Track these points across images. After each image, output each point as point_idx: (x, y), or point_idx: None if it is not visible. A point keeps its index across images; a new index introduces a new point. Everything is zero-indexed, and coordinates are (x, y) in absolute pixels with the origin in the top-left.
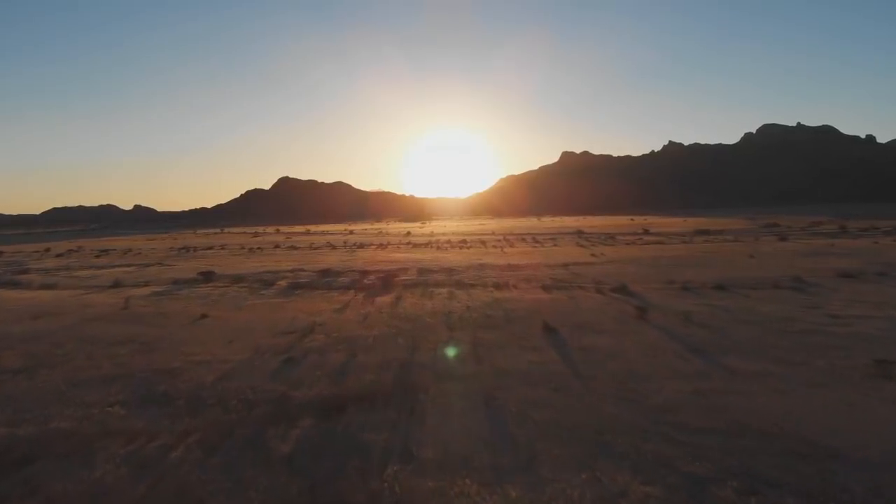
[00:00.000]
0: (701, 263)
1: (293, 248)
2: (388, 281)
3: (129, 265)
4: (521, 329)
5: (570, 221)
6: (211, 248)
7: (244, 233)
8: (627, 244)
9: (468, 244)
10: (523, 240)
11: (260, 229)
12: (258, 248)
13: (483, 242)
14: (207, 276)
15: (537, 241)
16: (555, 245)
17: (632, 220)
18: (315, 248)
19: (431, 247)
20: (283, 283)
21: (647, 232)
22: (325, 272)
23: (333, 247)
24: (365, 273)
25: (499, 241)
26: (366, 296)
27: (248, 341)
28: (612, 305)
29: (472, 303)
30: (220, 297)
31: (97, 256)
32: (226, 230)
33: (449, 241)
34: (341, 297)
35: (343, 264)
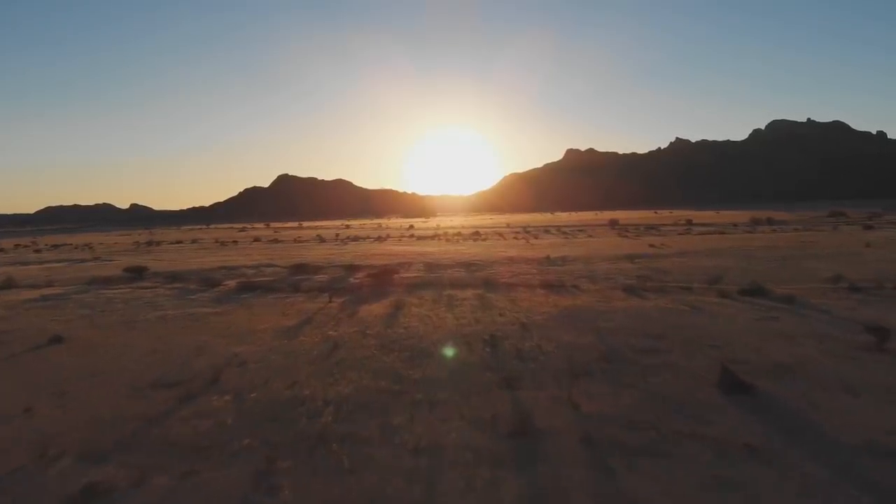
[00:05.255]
0: (814, 254)
1: (275, 241)
2: (382, 279)
3: (62, 261)
4: (664, 381)
5: (589, 216)
6: (180, 242)
7: (230, 228)
8: (680, 234)
9: (483, 236)
10: (547, 231)
11: (249, 226)
12: (233, 242)
13: (500, 234)
14: (136, 274)
15: (565, 234)
16: (589, 237)
17: (655, 212)
18: (300, 242)
19: (439, 239)
20: (232, 282)
21: (691, 223)
22: (299, 268)
23: (323, 240)
24: (352, 269)
25: (518, 233)
26: (346, 303)
27: (60, 412)
28: (787, 323)
29: (525, 316)
30: (123, 304)
31: (37, 251)
32: (212, 226)
33: (459, 234)
34: (306, 306)
35: (327, 259)
